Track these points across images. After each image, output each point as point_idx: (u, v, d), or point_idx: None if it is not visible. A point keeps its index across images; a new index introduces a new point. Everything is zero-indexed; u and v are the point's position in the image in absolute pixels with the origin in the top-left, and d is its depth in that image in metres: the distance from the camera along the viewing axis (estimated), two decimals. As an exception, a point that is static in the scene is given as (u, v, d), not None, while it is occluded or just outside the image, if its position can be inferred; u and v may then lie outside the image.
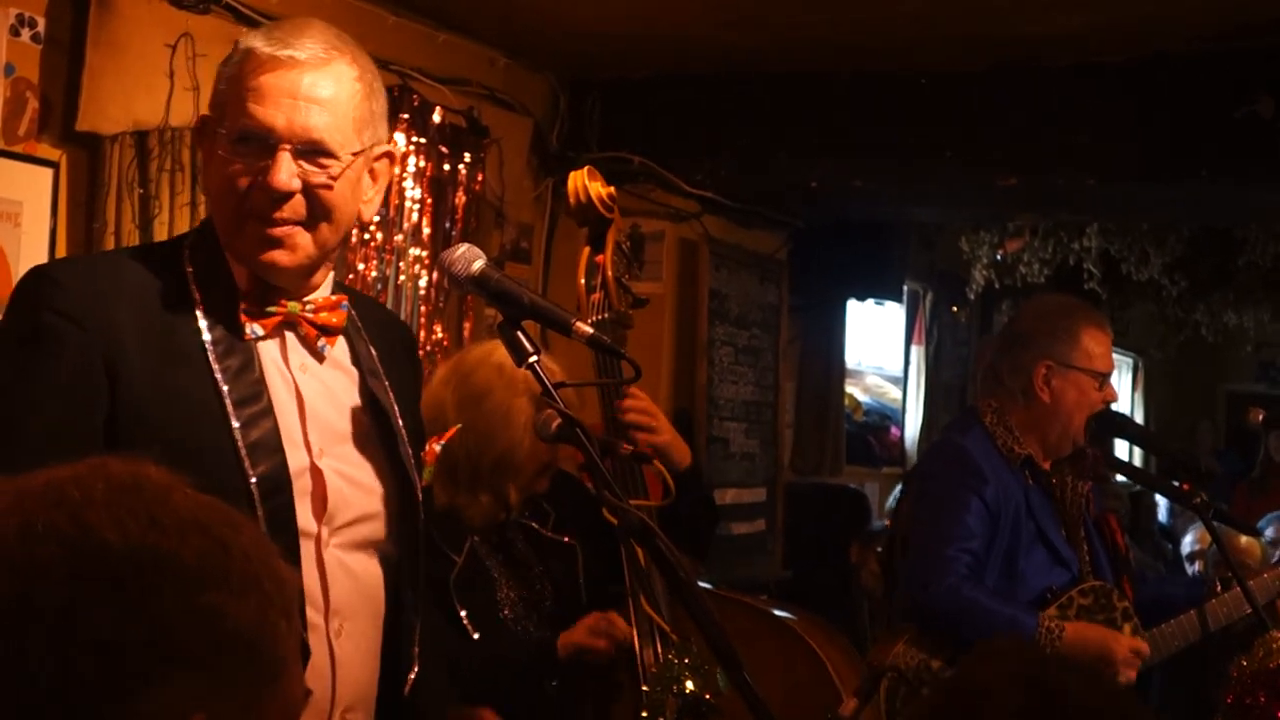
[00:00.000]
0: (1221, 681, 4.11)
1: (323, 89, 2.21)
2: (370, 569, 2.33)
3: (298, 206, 2.20)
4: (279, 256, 2.21)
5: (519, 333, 2.31)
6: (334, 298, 2.33)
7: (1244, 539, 6.28)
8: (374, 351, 2.42)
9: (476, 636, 3.27)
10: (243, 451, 2.15)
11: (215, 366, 2.18)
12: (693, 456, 3.53)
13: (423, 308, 5.48)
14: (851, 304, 8.71)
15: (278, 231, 2.20)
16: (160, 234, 4.36)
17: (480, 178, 5.72)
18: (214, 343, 2.19)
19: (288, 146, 2.18)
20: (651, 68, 6.30)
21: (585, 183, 3.37)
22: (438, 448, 3.22)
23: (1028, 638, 3.63)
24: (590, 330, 2.32)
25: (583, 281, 3.41)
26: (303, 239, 2.22)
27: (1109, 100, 5.90)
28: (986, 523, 3.77)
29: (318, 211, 2.22)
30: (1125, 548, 4.06)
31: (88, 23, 4.24)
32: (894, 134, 6.22)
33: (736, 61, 6.14)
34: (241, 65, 2.20)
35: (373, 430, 2.36)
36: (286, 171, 2.17)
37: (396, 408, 2.40)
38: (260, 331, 2.24)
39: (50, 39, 4.24)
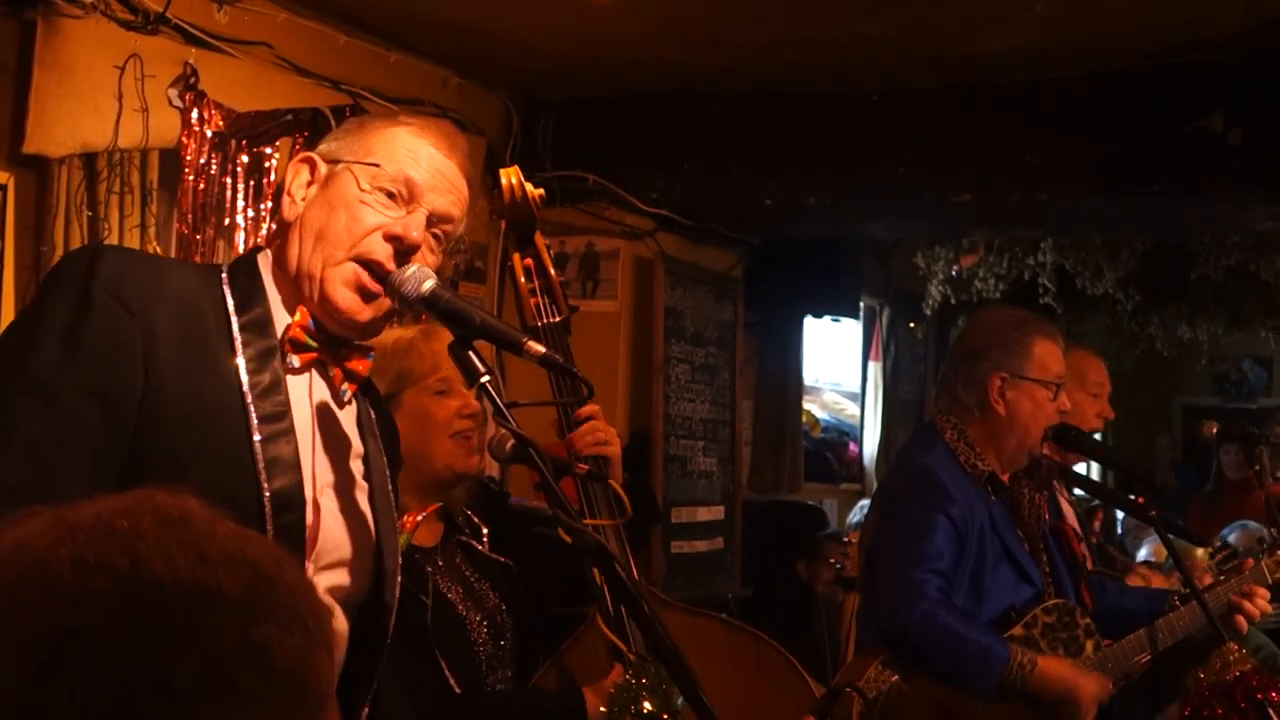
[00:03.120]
0: (1179, 693, 4.13)
1: (462, 184, 2.39)
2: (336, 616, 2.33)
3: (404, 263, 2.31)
4: (358, 309, 2.28)
5: (470, 353, 2.29)
6: (364, 345, 2.38)
7: (1199, 551, 6.30)
8: (372, 413, 2.45)
9: (455, 685, 3.18)
10: (260, 465, 2.17)
11: (245, 384, 2.20)
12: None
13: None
14: (808, 321, 8.72)
15: (374, 286, 2.28)
16: (110, 256, 4.32)
17: (434, 198, 5.69)
18: (246, 363, 2.22)
19: (426, 210, 2.31)
20: (604, 87, 6.31)
21: (520, 180, 3.36)
22: (420, 518, 3.17)
23: (999, 669, 3.63)
24: (542, 349, 2.30)
25: (524, 281, 3.38)
26: (383, 302, 2.30)
27: (1061, 116, 5.94)
28: (955, 541, 3.75)
29: None
30: (1083, 556, 4.06)
31: (34, 44, 4.21)
32: (848, 151, 6.24)
33: (690, 81, 6.15)
34: (400, 134, 2.34)
35: (363, 485, 2.38)
36: (421, 230, 2.30)
37: (387, 474, 2.43)
38: (296, 363, 2.27)
39: (-4, 61, 4.21)
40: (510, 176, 3.37)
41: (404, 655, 2.98)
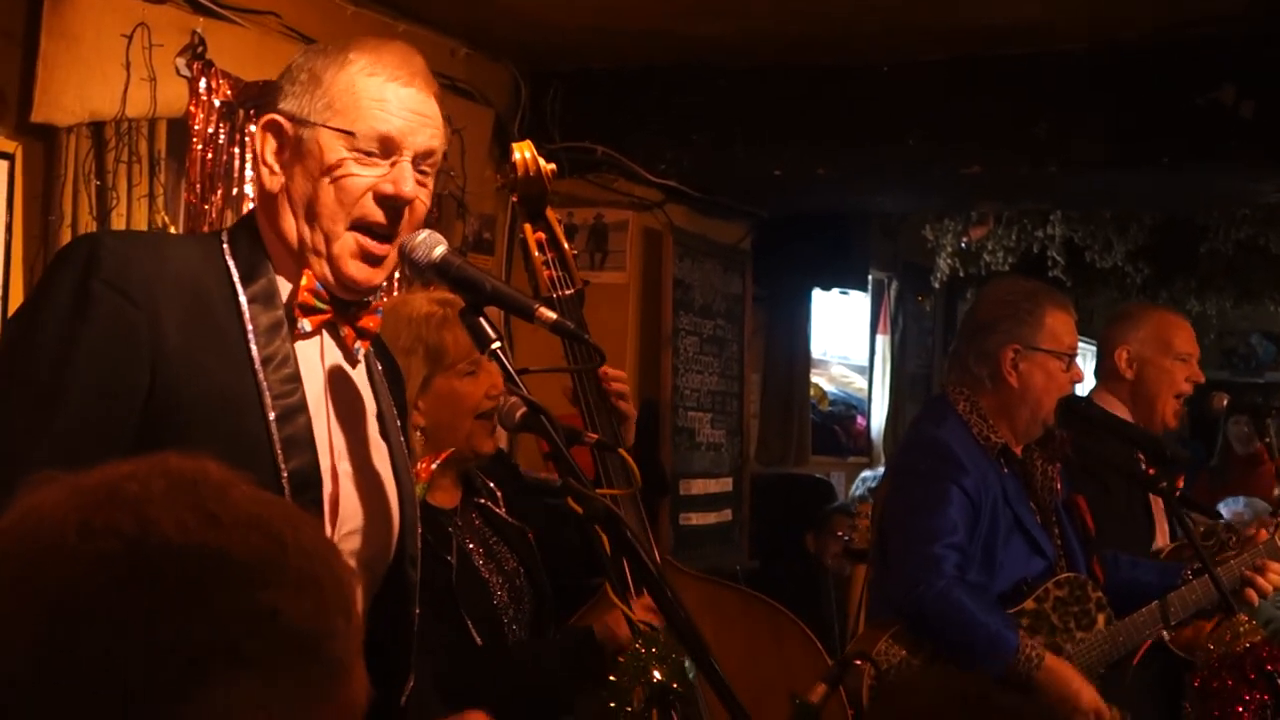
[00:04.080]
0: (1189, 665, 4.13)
1: (432, 108, 2.30)
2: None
3: (402, 217, 2.26)
4: (373, 275, 2.26)
5: (481, 319, 2.28)
6: (373, 302, 2.35)
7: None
8: (380, 367, 2.44)
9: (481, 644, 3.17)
10: (278, 445, 2.15)
11: (255, 359, 2.18)
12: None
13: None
14: (816, 293, 8.71)
15: (381, 249, 2.25)
16: (118, 226, 4.32)
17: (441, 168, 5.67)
18: (255, 337, 2.19)
19: (409, 156, 2.26)
20: (613, 58, 6.28)
21: (534, 155, 3.33)
22: (434, 467, 3.14)
23: (1007, 656, 3.63)
24: (553, 315, 2.29)
25: (538, 255, 3.35)
26: (391, 258, 2.28)
27: (1071, 88, 5.91)
28: (969, 513, 3.74)
29: (409, 223, 2.28)
30: (1094, 529, 4.05)
31: (42, 13, 4.19)
32: (856, 123, 6.22)
33: (698, 52, 6.12)
34: (358, 80, 2.25)
35: (379, 443, 2.37)
36: (411, 181, 2.25)
37: (399, 424, 2.42)
38: (308, 327, 2.25)
39: (3, 30, 4.18)
40: (524, 151, 3.33)
41: (425, 616, 2.98)
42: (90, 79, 4.27)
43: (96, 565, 1.12)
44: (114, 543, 1.13)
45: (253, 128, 4.50)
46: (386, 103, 2.25)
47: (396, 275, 5.36)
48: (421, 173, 2.29)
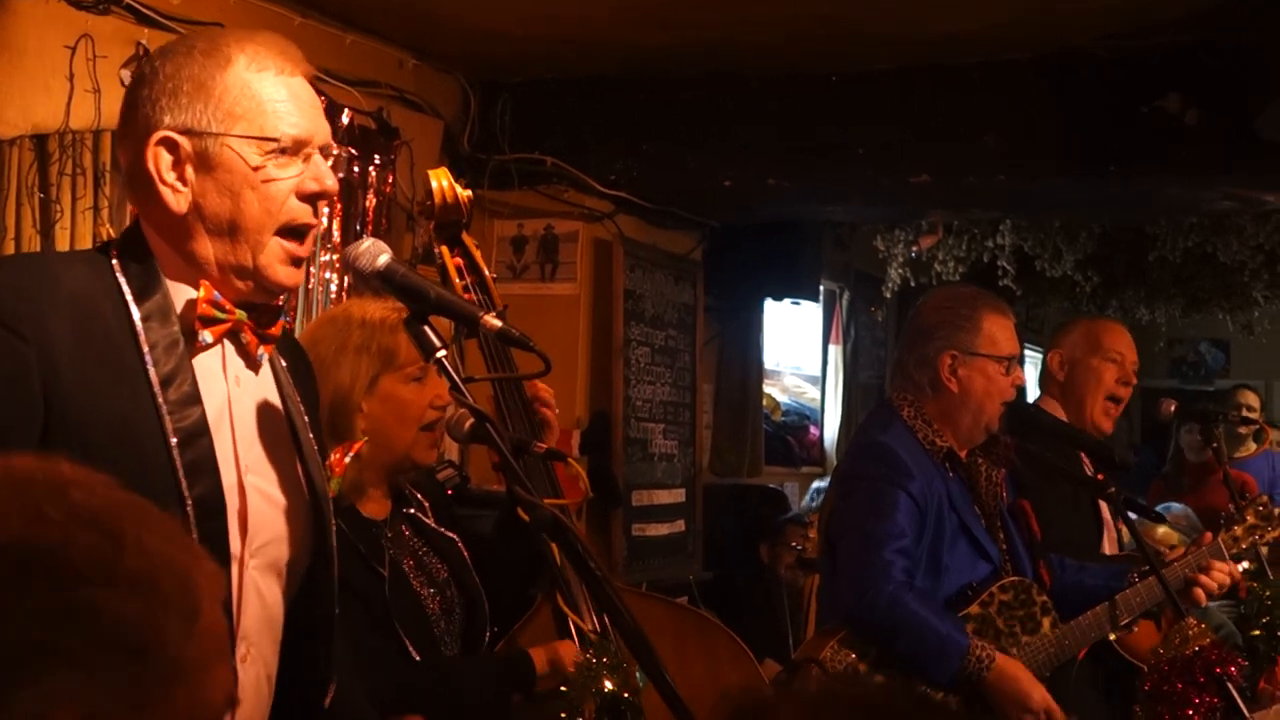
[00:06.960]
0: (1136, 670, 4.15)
1: (314, 94, 2.28)
2: (276, 592, 2.30)
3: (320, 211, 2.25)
4: (299, 276, 2.25)
5: (426, 328, 2.28)
6: (275, 305, 2.31)
7: (1161, 529, 6.33)
8: (284, 363, 2.40)
9: (418, 658, 3.15)
10: (180, 471, 2.11)
11: (154, 380, 2.13)
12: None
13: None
14: (768, 304, 8.71)
15: (304, 250, 2.23)
16: (62, 239, 4.28)
17: (390, 180, 5.66)
18: (152, 355, 2.14)
19: (318, 147, 2.23)
20: (562, 69, 6.29)
21: (451, 183, 3.31)
22: (347, 459, 3.11)
23: (958, 658, 3.64)
24: (499, 324, 2.29)
25: (457, 280, 3.35)
26: (309, 254, 2.26)
27: (1018, 97, 5.95)
28: (915, 518, 3.76)
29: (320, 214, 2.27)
30: (1040, 534, 4.07)
31: (-17, 25, 4.16)
32: (806, 133, 6.24)
33: (648, 62, 6.13)
34: (250, 81, 2.20)
35: (289, 445, 2.33)
36: (331, 174, 2.23)
37: (306, 420, 2.38)
38: (209, 339, 2.20)
39: (-55, 41, 4.15)
40: (441, 179, 3.31)
41: (361, 628, 2.96)
42: (33, 91, 4.23)
43: None
44: None
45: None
46: (286, 101, 2.21)
47: (348, 283, 5.34)
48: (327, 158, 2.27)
